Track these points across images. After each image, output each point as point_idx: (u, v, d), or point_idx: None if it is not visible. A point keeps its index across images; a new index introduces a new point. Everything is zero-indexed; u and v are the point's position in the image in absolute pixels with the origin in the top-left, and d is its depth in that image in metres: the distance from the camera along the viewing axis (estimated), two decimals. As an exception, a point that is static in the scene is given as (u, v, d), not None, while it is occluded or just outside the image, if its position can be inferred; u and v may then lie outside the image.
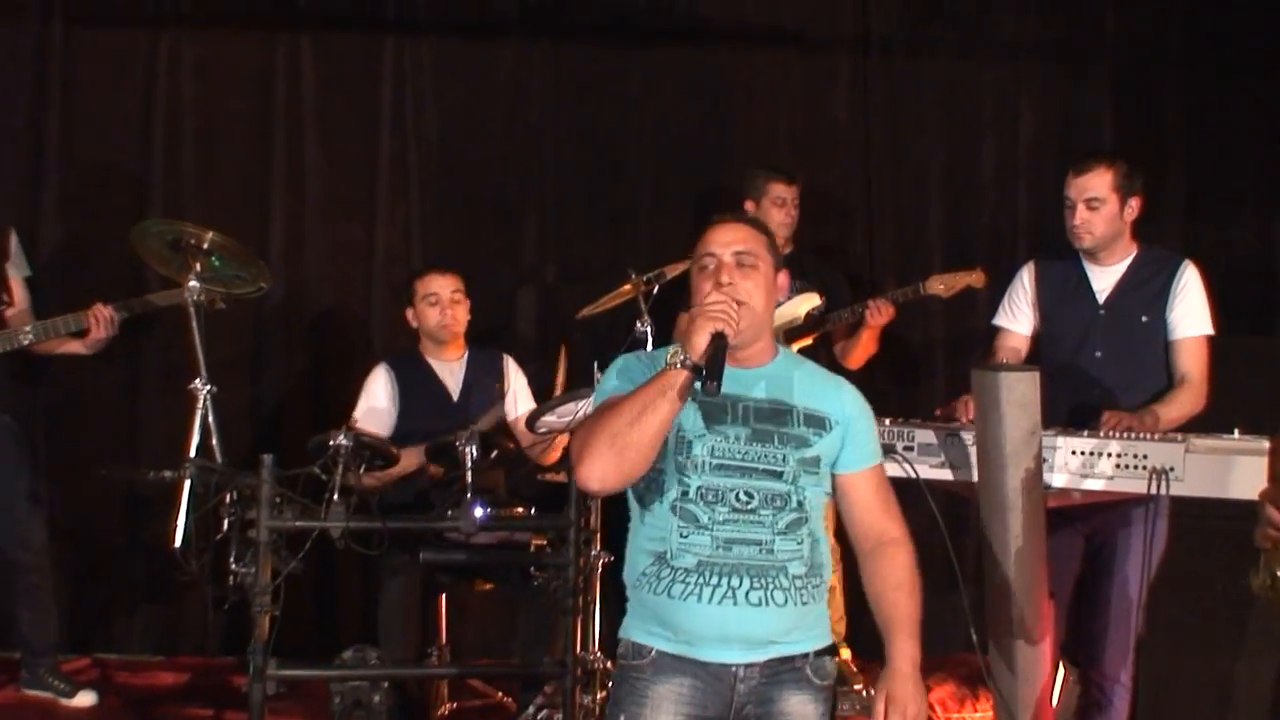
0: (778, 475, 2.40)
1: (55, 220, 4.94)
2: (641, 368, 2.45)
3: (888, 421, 3.24)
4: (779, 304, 4.37)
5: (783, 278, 2.55)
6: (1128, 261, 3.59)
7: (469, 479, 3.58)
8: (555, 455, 4.25)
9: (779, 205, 4.61)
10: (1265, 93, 4.94)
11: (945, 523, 4.06)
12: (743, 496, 2.38)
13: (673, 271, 3.93)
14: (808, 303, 4.58)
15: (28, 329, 4.14)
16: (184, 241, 3.86)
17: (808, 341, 4.54)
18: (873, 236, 5.19)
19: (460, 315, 4.32)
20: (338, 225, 5.14)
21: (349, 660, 3.47)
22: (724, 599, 2.36)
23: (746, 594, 2.36)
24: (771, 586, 2.37)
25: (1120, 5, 5.19)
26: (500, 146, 5.20)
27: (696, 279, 2.47)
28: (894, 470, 3.16)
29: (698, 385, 2.30)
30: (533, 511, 3.82)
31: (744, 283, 2.42)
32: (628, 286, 4.08)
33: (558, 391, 4.16)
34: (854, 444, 2.49)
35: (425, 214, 5.16)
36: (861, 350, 4.58)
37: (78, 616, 4.78)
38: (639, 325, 3.92)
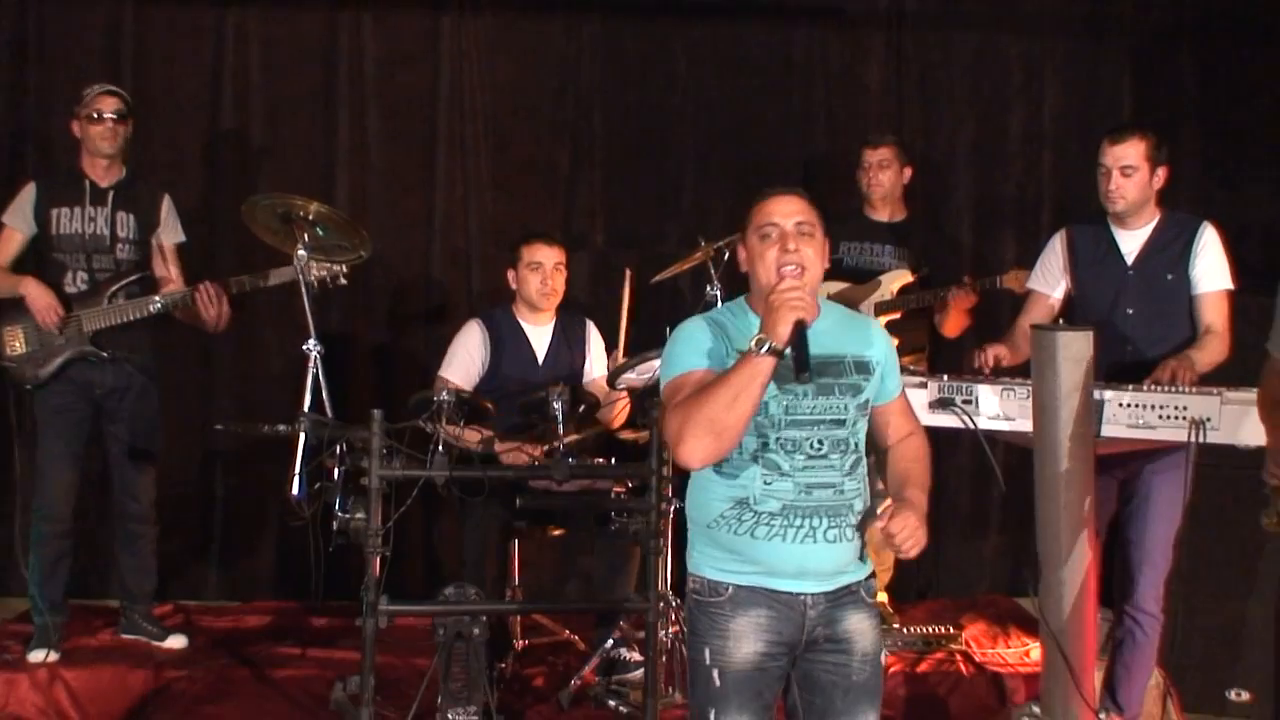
0: (841, 423, 2.54)
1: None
2: (710, 334, 2.55)
3: (946, 377, 3.40)
4: (874, 273, 4.68)
5: (827, 245, 2.64)
6: (1153, 225, 3.75)
7: (561, 430, 3.77)
8: (622, 418, 4.43)
9: (864, 169, 4.76)
10: (1277, 62, 5.03)
11: (980, 472, 4.20)
12: (815, 445, 2.52)
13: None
14: (900, 279, 4.71)
15: (157, 299, 4.27)
16: (293, 213, 3.94)
17: (895, 315, 4.65)
18: (906, 204, 5.11)
19: (559, 285, 4.41)
20: (399, 196, 5.24)
21: (451, 596, 3.62)
22: (805, 538, 2.50)
23: (825, 533, 2.51)
24: (843, 524, 2.53)
25: (1138, -21, 5.29)
26: (552, 119, 5.32)
27: (759, 246, 2.57)
28: (953, 421, 3.32)
29: (777, 375, 2.43)
30: (613, 462, 4.04)
31: (805, 250, 2.54)
32: (699, 254, 4.26)
33: (623, 318, 4.36)
34: (888, 378, 2.65)
35: (481, 184, 5.27)
36: (954, 323, 4.68)
37: (161, 566, 4.84)
38: (709, 290, 4.13)
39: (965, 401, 3.35)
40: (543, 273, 4.39)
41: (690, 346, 2.55)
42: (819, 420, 2.52)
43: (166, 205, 4.44)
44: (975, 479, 5.29)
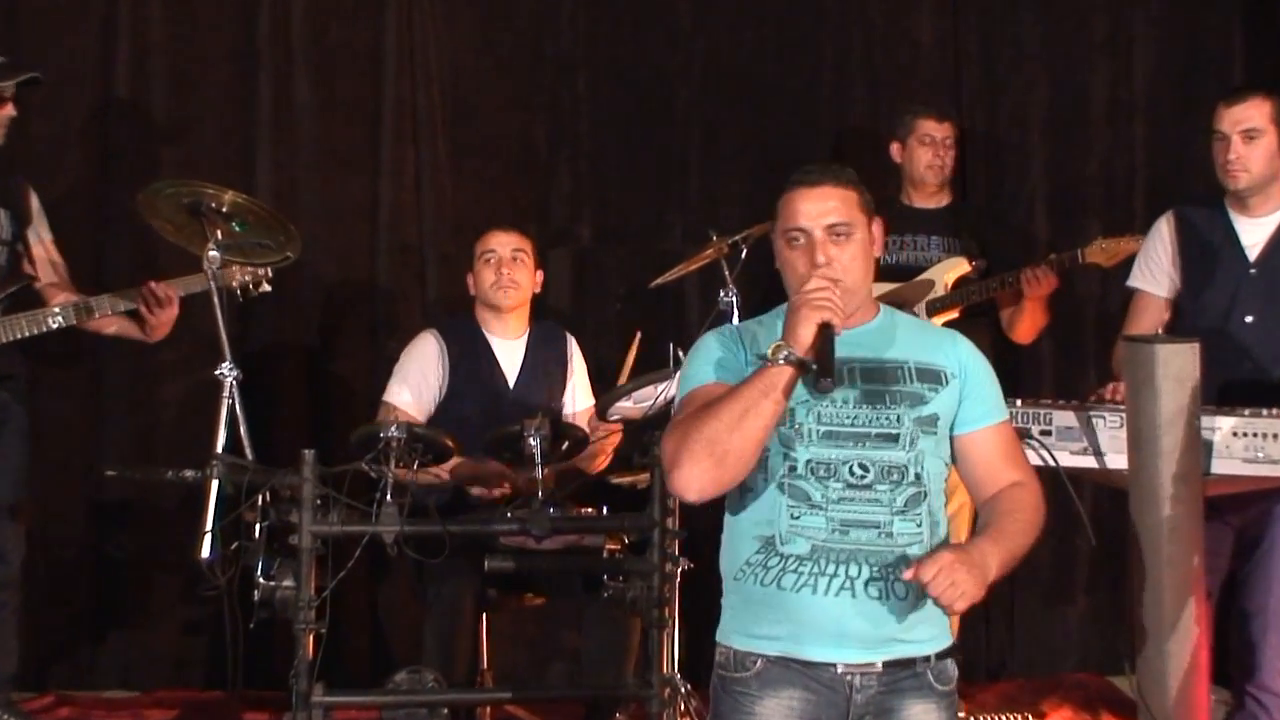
0: (893, 439, 2.54)
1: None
2: (732, 348, 2.62)
3: (1019, 402, 3.41)
4: (919, 268, 4.73)
5: (878, 228, 2.68)
6: None
7: (540, 475, 3.75)
8: (603, 462, 4.44)
9: (926, 144, 4.82)
10: None
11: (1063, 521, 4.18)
12: (857, 470, 2.52)
13: (762, 232, 3.99)
14: (954, 270, 4.74)
15: (57, 311, 4.28)
16: (203, 204, 3.95)
17: (952, 315, 4.70)
18: (965, 186, 5.27)
19: (521, 277, 4.43)
20: (334, 180, 5.25)
21: (404, 684, 3.61)
22: (841, 590, 2.50)
23: (865, 585, 2.50)
24: (891, 576, 2.50)
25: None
26: (525, 85, 5.34)
27: (786, 252, 2.63)
28: (1029, 457, 3.12)
29: (802, 380, 2.47)
30: (604, 512, 4.00)
31: (840, 256, 2.58)
32: (709, 250, 4.25)
33: (622, 380, 4.30)
34: (974, 398, 2.64)
35: (438, 166, 5.27)
36: (1029, 322, 4.72)
37: (36, 645, 4.84)
38: (723, 295, 4.09)
39: (1044, 432, 3.37)
40: (497, 262, 4.42)
41: (700, 359, 2.62)
42: (862, 435, 2.55)
43: (32, 195, 4.46)
44: (1057, 529, 4.79)
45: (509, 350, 4.52)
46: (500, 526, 3.86)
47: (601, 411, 4.17)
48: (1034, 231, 5.31)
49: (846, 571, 2.50)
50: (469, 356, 4.45)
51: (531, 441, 3.84)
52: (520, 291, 4.46)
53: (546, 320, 4.70)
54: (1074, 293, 5.12)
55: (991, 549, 2.50)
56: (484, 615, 4.30)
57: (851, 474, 2.52)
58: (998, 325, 4.80)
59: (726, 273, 4.20)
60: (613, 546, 4.02)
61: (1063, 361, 5.32)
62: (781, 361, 2.45)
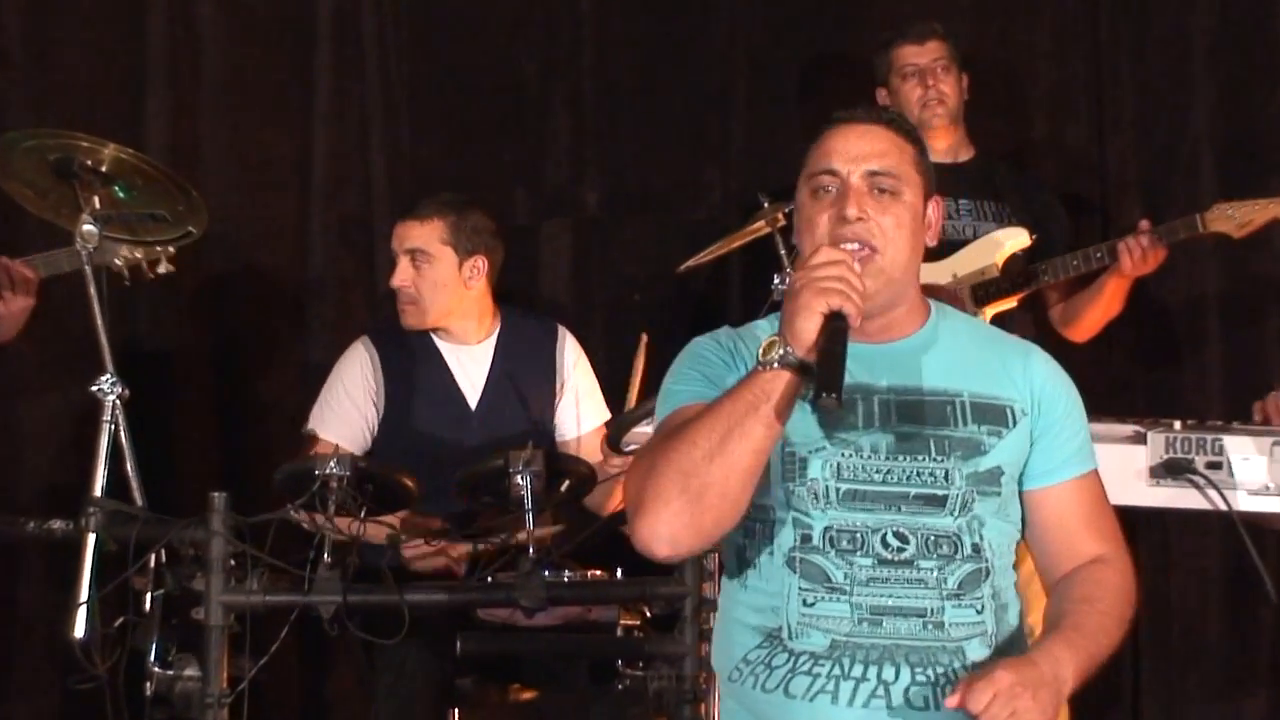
0: (939, 502, 2.50)
1: None
2: (728, 357, 2.60)
3: (1178, 425, 3.42)
4: (949, 245, 4.64)
5: (935, 208, 2.66)
6: None
7: (531, 526, 3.67)
8: (618, 498, 4.34)
9: (910, 77, 4.72)
10: None
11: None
12: (892, 539, 2.49)
13: None
14: (1013, 242, 4.64)
15: None
16: (76, 162, 3.91)
17: (1009, 304, 4.64)
18: (1103, 141, 5.20)
19: (425, 287, 4.38)
20: (251, 128, 5.18)
21: None
22: (871, 698, 2.45)
23: (906, 691, 2.45)
24: (941, 680, 2.46)
25: None
26: (511, 8, 5.28)
27: (807, 206, 2.59)
28: (1191, 499, 3.27)
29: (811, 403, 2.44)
30: (618, 575, 3.90)
31: (880, 217, 2.52)
32: (759, 222, 4.21)
33: (633, 394, 4.28)
34: (1052, 441, 2.61)
35: (393, 112, 5.22)
36: (1100, 313, 4.65)
37: None
38: (776, 280, 3.96)
39: (1210, 465, 3.33)
40: (396, 270, 4.41)
41: (687, 371, 2.63)
42: (897, 495, 2.52)
43: None
44: (1228, 590, 5.12)
45: (469, 358, 4.46)
46: (478, 595, 3.82)
47: (614, 440, 4.08)
48: (1200, 195, 5.04)
49: (879, 674, 2.47)
50: (412, 371, 4.43)
51: (520, 481, 3.72)
52: (419, 308, 4.38)
53: (528, 311, 4.65)
54: (1192, 272, 5.11)
55: (1066, 655, 2.47)
56: (454, 713, 4.14)
57: (885, 546, 2.50)
58: (1039, 319, 4.81)
59: (782, 250, 4.16)
60: (630, 622, 3.93)
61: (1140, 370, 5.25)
62: (775, 365, 2.37)
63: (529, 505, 3.70)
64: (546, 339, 4.51)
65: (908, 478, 2.50)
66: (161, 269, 4.20)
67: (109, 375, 3.75)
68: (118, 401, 3.74)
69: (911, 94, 4.70)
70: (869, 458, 2.50)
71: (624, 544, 4.09)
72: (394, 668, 3.90)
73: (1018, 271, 4.60)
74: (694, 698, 3.53)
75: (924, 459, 2.51)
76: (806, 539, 2.49)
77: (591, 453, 4.31)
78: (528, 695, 4.19)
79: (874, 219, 2.52)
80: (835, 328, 2.36)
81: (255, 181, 5.13)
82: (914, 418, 2.52)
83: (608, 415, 4.45)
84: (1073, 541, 2.63)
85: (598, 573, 3.94)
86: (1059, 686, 2.41)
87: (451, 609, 3.81)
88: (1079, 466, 2.63)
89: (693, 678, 3.53)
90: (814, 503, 2.49)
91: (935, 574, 2.49)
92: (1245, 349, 5.19)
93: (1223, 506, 3.22)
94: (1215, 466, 3.29)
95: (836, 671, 2.46)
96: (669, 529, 2.39)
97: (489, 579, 3.79)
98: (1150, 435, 3.31)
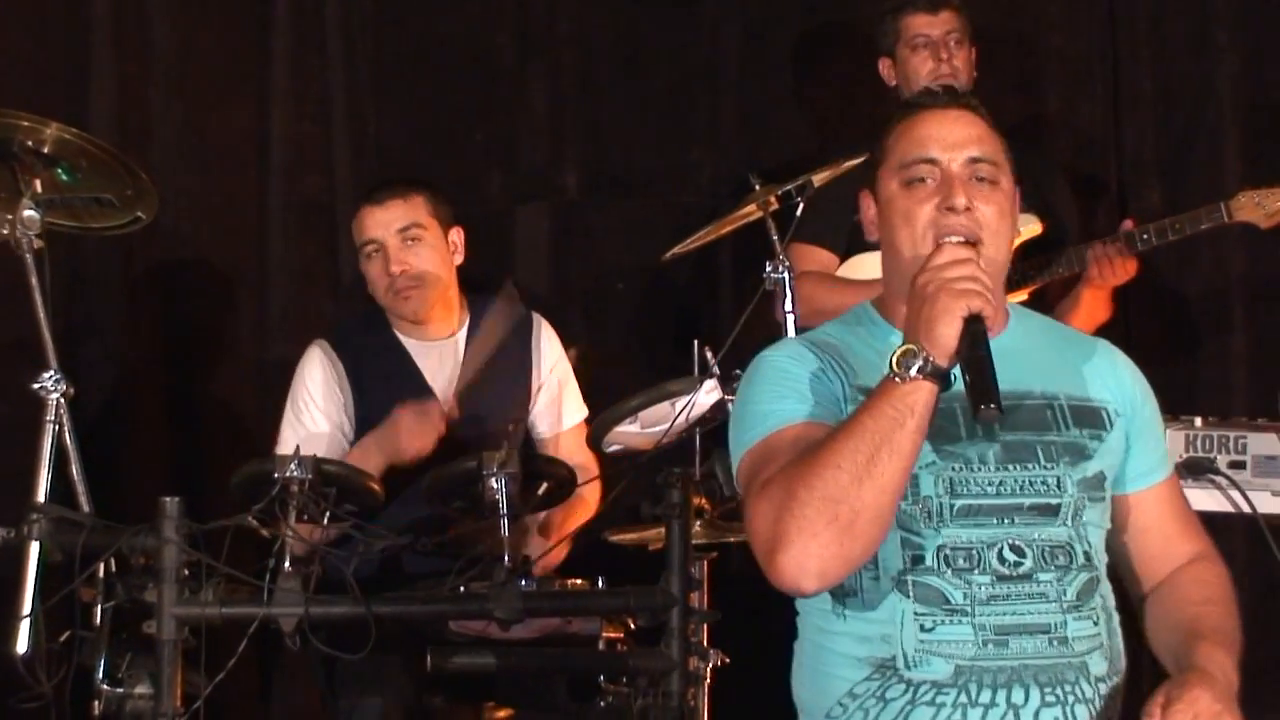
0: (1053, 511, 2.51)
1: None
2: (818, 371, 2.56)
3: (1198, 422, 3.48)
4: None
5: (1017, 197, 2.69)
6: None
7: (506, 533, 3.62)
8: (593, 505, 4.36)
9: (921, 48, 4.64)
10: None
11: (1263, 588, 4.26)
12: (1009, 554, 2.49)
13: (830, 177, 4.00)
14: (1025, 230, 4.58)
15: None
16: (14, 142, 3.84)
17: (1020, 297, 4.58)
18: (1119, 118, 5.16)
19: (423, 262, 4.33)
20: (204, 106, 5.14)
21: None
22: None
23: (1036, 714, 2.46)
24: (1071, 698, 2.47)
25: None
26: None
27: (902, 198, 2.59)
28: (1211, 501, 3.26)
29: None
30: (600, 584, 3.80)
31: (984, 207, 2.54)
32: (750, 206, 4.12)
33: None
34: (1143, 445, 2.65)
35: (358, 87, 5.20)
36: (1084, 317, 4.56)
37: None
38: (768, 270, 3.98)
39: (1234, 465, 3.37)
40: (383, 257, 4.30)
41: (775, 388, 2.58)
42: (1011, 508, 2.52)
43: None
44: (1253, 604, 4.91)
45: (436, 354, 4.41)
46: (450, 606, 3.74)
47: (596, 441, 4.05)
48: (1223, 175, 5.08)
49: (1008, 698, 2.47)
50: (375, 371, 4.37)
51: (494, 484, 3.66)
52: (425, 290, 4.32)
53: (497, 297, 4.53)
54: (1214, 257, 5.09)
55: (1229, 662, 2.51)
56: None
57: (1003, 561, 2.50)
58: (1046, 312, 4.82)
59: (775, 237, 4.08)
60: (612, 635, 3.89)
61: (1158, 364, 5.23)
62: (914, 374, 2.35)
63: (504, 510, 3.67)
64: (524, 329, 4.47)
65: (1020, 488, 2.52)
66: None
67: (52, 372, 3.71)
68: (62, 400, 3.70)
69: (921, 67, 4.62)
70: (979, 470, 2.51)
71: (606, 555, 4.19)
72: (360, 685, 3.87)
73: (1029, 263, 4.57)
74: (681, 715, 3.50)
75: (1034, 467, 2.53)
76: (918, 560, 2.49)
77: (571, 452, 4.29)
78: (503, 714, 4.16)
79: (979, 210, 2.54)
80: (975, 331, 2.37)
81: (209, 164, 5.10)
82: (1018, 424, 2.53)
83: (586, 412, 4.42)
84: (1171, 543, 2.67)
85: (578, 582, 3.88)
86: (1233, 695, 2.43)
87: (422, 622, 3.79)
88: (1169, 466, 2.69)
89: (679, 694, 3.50)
90: (926, 521, 2.49)
91: (1055, 586, 2.50)
92: (1272, 339, 5.17)
93: (1246, 509, 3.20)
94: (1238, 466, 3.33)
95: (963, 699, 2.46)
96: (818, 563, 2.37)
97: (462, 589, 3.70)
98: (1169, 432, 3.23)
